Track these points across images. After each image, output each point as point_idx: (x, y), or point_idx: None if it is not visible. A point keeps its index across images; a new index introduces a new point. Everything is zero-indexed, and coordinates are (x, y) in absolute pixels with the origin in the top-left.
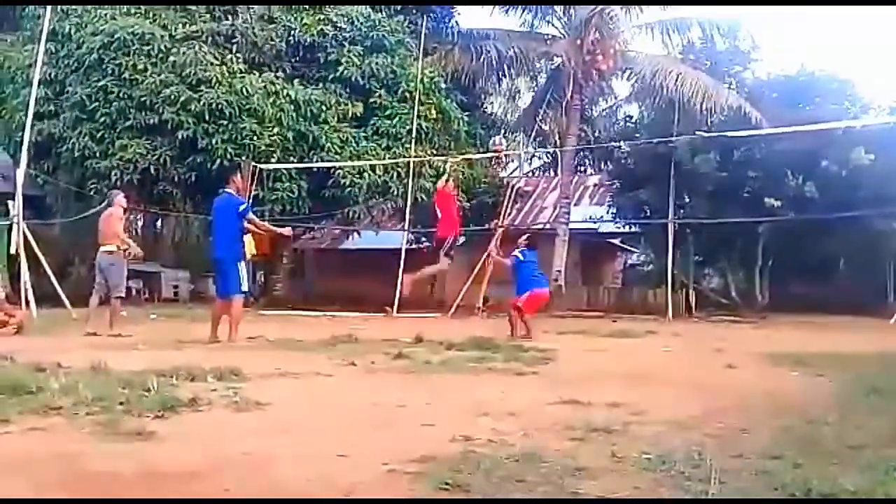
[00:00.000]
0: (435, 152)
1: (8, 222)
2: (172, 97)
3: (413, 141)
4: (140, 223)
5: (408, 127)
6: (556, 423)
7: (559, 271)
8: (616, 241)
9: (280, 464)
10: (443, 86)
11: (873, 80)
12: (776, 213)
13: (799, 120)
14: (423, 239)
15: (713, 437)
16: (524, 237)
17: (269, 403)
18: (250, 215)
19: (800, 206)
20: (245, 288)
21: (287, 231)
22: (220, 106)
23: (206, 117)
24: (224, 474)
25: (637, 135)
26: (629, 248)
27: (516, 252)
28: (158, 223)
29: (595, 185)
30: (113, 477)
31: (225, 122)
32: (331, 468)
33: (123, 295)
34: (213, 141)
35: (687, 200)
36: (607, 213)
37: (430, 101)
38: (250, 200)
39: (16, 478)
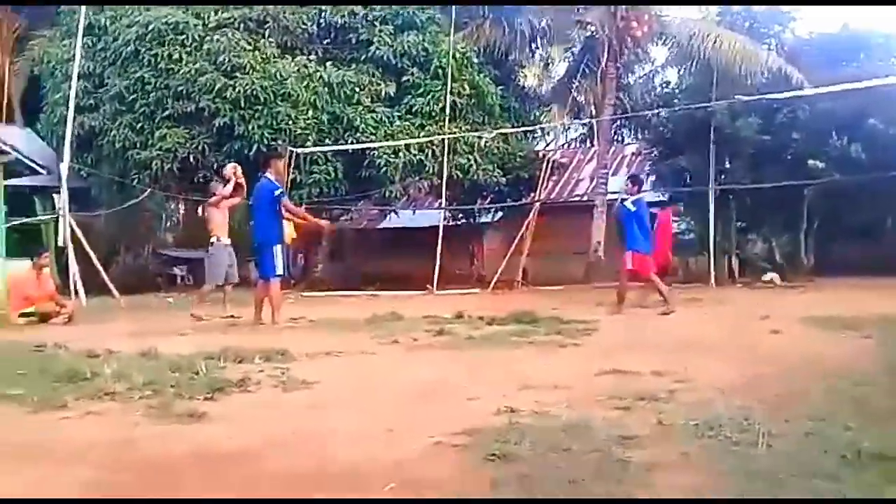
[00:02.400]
0: (469, 128)
1: (55, 215)
2: (208, 85)
3: (447, 118)
4: (182, 211)
5: (441, 104)
6: (601, 393)
7: (598, 242)
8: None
9: (329, 441)
10: (475, 60)
11: None
12: (820, 174)
13: (843, 79)
14: (460, 216)
15: (760, 401)
16: (631, 181)
17: (316, 382)
18: (285, 200)
19: (845, 166)
20: (279, 271)
21: (323, 223)
22: (255, 92)
23: (242, 104)
24: (275, 453)
25: (675, 101)
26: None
27: (628, 202)
28: (200, 210)
29: (633, 154)
30: (169, 458)
31: (260, 108)
32: (378, 443)
33: (213, 285)
34: (250, 127)
35: (728, 165)
36: (646, 181)
37: (463, 77)
38: (288, 185)
39: (78, 462)
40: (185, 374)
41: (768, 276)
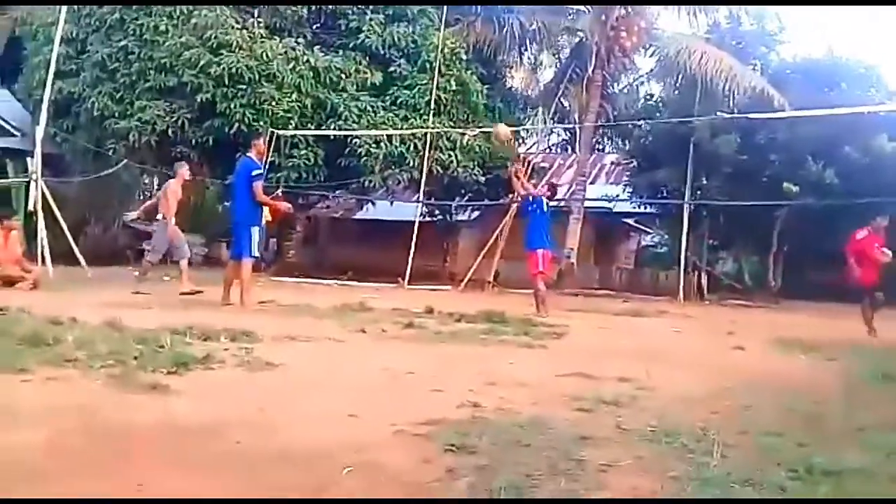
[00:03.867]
0: (453, 124)
1: (26, 179)
2: (192, 60)
3: (431, 112)
4: (156, 185)
5: (427, 98)
6: (564, 395)
7: (572, 249)
8: (631, 221)
9: (291, 421)
10: (463, 57)
11: None
12: (794, 197)
13: (823, 104)
14: (437, 212)
15: (718, 413)
16: (548, 187)
17: (280, 364)
18: (258, 183)
19: (819, 191)
20: (255, 252)
21: (285, 206)
22: (239, 70)
23: (226, 81)
24: (237, 429)
25: (657, 113)
26: (644, 228)
27: (544, 198)
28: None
29: (612, 163)
30: (130, 427)
31: (244, 87)
32: (341, 427)
33: (154, 260)
34: (232, 105)
35: (704, 182)
36: (623, 192)
37: (450, 73)
38: (266, 167)
39: (38, 426)
40: (148, 347)
41: None
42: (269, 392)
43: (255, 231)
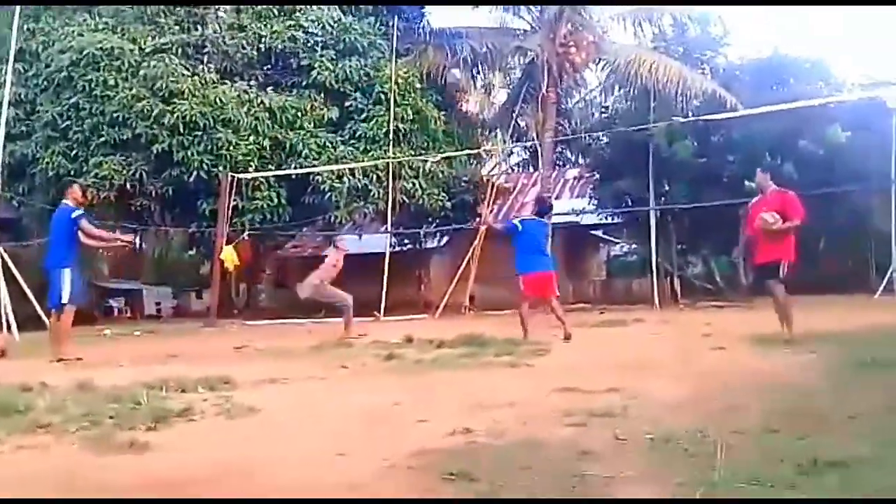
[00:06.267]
0: (413, 153)
1: None
2: (145, 111)
3: (391, 143)
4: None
5: (385, 129)
6: (556, 411)
7: None
8: (599, 233)
9: (279, 466)
10: (418, 86)
11: (844, 58)
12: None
13: (774, 102)
14: (406, 241)
15: (712, 415)
16: (534, 199)
17: (261, 409)
18: (83, 222)
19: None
20: (65, 299)
21: (118, 239)
22: (193, 118)
23: (181, 130)
24: (224, 480)
25: (614, 125)
26: (612, 238)
27: (515, 219)
28: (137, 239)
29: (575, 177)
30: (110, 488)
31: (199, 134)
32: (331, 468)
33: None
34: (189, 153)
35: (667, 188)
36: (588, 204)
37: (406, 102)
38: (229, 212)
39: (12, 496)
40: (124, 405)
41: None
42: (253, 439)
43: (66, 273)
